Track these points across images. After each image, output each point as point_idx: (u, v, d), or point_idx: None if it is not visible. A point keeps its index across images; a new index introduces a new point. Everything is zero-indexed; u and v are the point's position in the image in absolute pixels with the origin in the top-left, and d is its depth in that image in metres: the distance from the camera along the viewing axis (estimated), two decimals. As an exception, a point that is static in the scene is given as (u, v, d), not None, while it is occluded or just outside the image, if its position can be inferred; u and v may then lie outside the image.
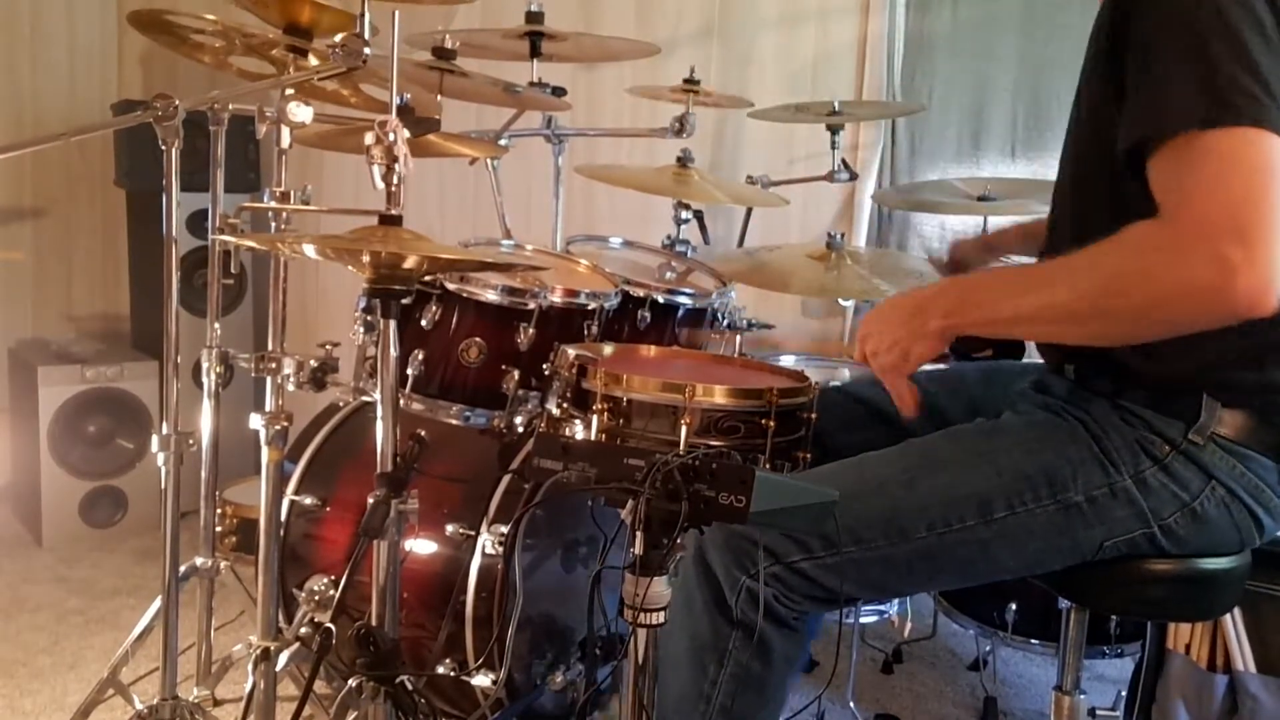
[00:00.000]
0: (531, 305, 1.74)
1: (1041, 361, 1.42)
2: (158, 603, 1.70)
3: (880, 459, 1.31)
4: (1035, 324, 1.20)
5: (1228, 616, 1.67)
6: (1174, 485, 1.23)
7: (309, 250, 1.29)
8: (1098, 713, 1.90)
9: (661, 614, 1.05)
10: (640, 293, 1.91)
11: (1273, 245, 1.00)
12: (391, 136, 1.27)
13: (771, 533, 1.21)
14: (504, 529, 1.71)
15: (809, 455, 1.35)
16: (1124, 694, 1.88)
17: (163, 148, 1.56)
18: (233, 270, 1.74)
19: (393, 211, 1.30)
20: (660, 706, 1.16)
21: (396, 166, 1.29)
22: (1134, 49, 1.12)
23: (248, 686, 1.63)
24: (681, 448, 1.23)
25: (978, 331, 1.26)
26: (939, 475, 1.26)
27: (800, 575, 1.24)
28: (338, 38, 1.45)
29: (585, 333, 1.80)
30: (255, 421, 1.62)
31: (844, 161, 2.53)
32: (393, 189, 1.30)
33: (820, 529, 1.22)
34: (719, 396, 1.26)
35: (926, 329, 1.22)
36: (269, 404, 1.63)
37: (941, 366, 1.44)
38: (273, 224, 1.63)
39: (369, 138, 1.28)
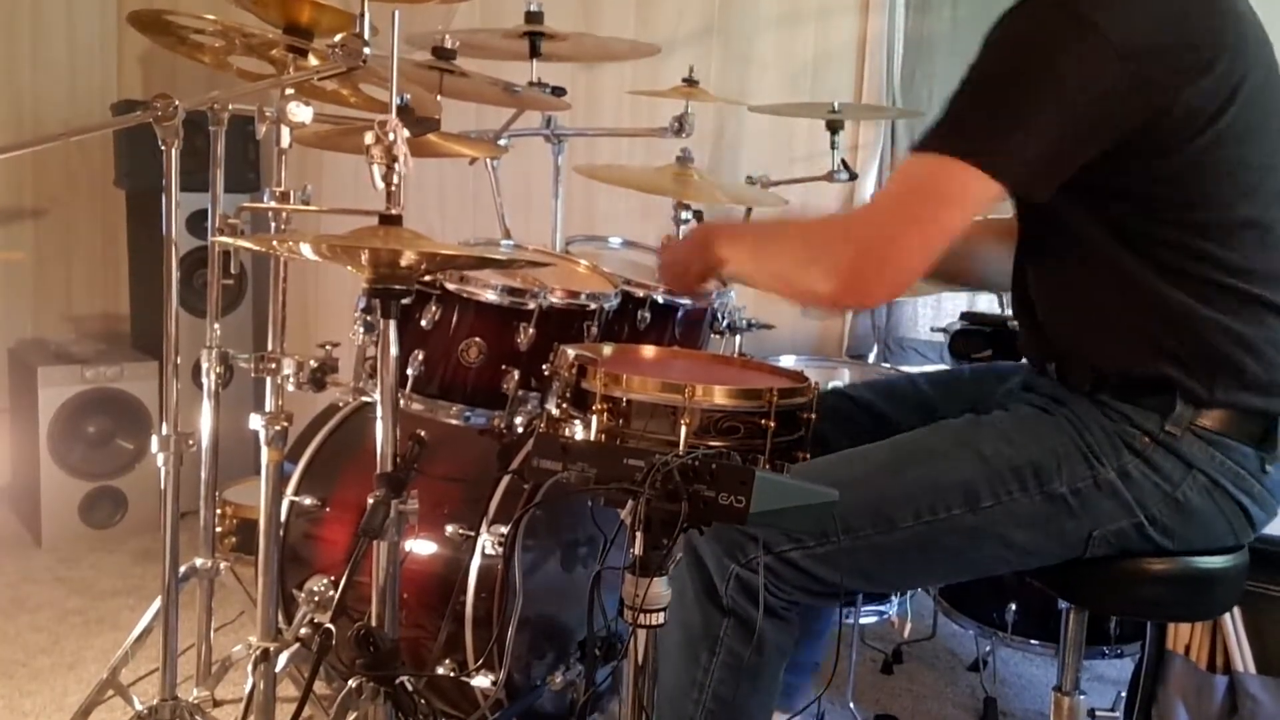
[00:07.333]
0: (531, 305, 1.74)
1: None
2: (157, 603, 1.70)
3: (869, 451, 1.34)
4: (772, 280, 1.38)
5: (1227, 617, 1.67)
6: (1155, 476, 1.24)
7: (306, 250, 1.28)
8: (1097, 713, 1.90)
9: (661, 614, 1.05)
10: (640, 293, 1.91)
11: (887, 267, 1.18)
12: (391, 136, 1.27)
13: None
14: (504, 529, 1.71)
15: (809, 456, 1.35)
16: (1124, 695, 1.88)
17: (162, 148, 1.55)
18: (232, 270, 1.74)
19: (393, 211, 1.29)
20: (655, 698, 1.17)
21: (396, 166, 1.28)
22: None
23: (247, 687, 1.63)
24: (681, 448, 1.23)
25: (742, 275, 1.46)
26: (925, 464, 1.29)
27: (791, 566, 1.26)
28: (337, 38, 1.45)
29: (585, 333, 1.79)
30: (255, 422, 1.62)
31: (844, 161, 2.52)
32: (392, 189, 1.30)
33: (820, 529, 1.22)
34: (718, 397, 1.26)
35: (709, 257, 1.43)
36: (269, 404, 1.63)
37: (941, 368, 1.44)
38: (273, 224, 1.63)
39: (369, 137, 1.28)
